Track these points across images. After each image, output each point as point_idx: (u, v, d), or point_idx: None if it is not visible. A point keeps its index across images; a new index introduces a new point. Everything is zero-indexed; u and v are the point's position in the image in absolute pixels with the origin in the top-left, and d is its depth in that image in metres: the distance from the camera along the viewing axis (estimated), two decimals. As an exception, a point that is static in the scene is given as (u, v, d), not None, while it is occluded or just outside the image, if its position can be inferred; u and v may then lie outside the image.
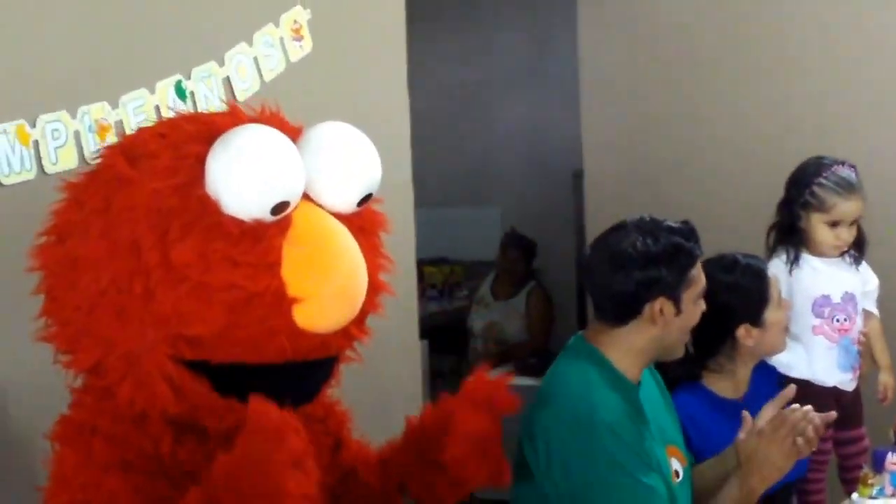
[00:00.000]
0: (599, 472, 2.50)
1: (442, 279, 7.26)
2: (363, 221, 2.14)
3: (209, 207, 1.94)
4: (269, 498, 1.85)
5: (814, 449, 2.60)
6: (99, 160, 2.07)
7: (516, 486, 2.63)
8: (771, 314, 3.03)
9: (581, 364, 2.65)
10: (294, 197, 1.98)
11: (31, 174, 2.46)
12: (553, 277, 6.71)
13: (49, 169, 2.47)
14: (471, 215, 7.36)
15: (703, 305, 2.69)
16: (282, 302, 1.96)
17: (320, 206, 2.07)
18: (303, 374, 2.08)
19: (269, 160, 1.95)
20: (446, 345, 6.20)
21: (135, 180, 1.98)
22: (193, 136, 2.02)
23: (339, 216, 2.08)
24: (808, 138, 4.51)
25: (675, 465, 2.68)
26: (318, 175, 2.04)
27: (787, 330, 3.12)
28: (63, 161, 2.50)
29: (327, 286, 1.99)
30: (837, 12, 4.75)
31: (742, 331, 2.99)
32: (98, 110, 2.58)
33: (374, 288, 2.16)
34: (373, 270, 2.14)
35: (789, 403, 2.64)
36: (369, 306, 2.14)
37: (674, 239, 2.62)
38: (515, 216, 6.99)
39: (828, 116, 4.75)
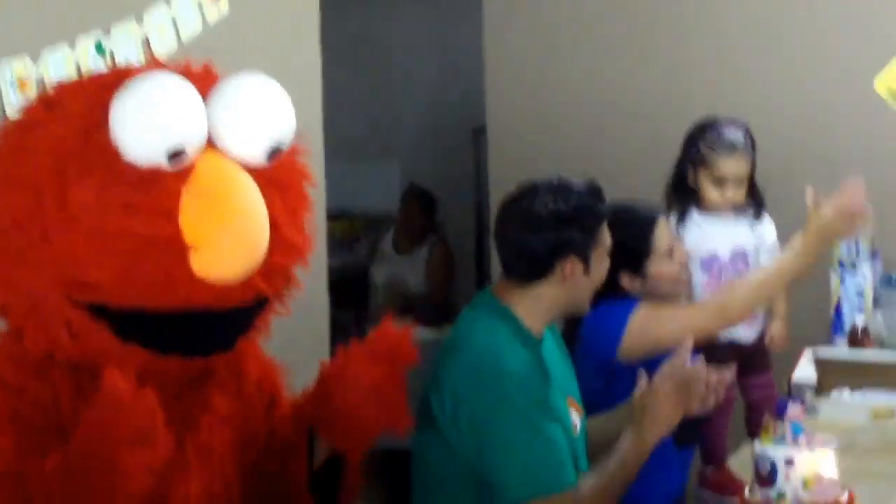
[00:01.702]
0: (504, 422, 2.55)
1: (342, 233, 7.29)
2: (276, 175, 2.13)
3: (110, 152, 1.94)
4: (106, 473, 1.86)
5: (709, 406, 2.69)
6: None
7: (419, 436, 2.67)
8: (654, 265, 3.07)
9: (488, 318, 2.70)
10: (192, 144, 1.99)
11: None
12: (452, 232, 6.75)
13: (-31, 123, 2.47)
14: (371, 169, 7.37)
15: (608, 262, 2.76)
16: (178, 249, 1.96)
17: (229, 157, 2.06)
18: (208, 324, 2.07)
19: (163, 105, 1.95)
20: (346, 298, 6.24)
21: (43, 124, 2.00)
22: (107, 84, 2.02)
23: (250, 169, 2.07)
24: (714, 97, 4.64)
25: (574, 417, 2.74)
26: (223, 123, 2.05)
27: (683, 281, 3.16)
28: (-17, 116, 2.48)
29: (223, 234, 1.99)
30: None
31: (625, 278, 3.06)
32: (20, 66, 2.58)
33: (289, 244, 2.15)
34: (287, 225, 2.14)
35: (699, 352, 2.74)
36: (281, 260, 2.13)
37: (582, 199, 2.69)
38: (416, 171, 7.02)
39: (732, 77, 4.89)
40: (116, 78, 2.03)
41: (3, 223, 1.97)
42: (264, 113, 2.10)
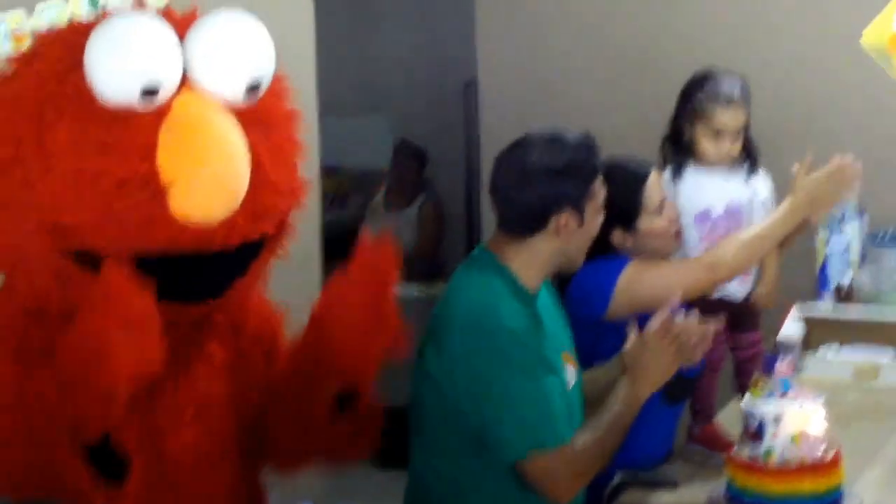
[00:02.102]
0: (501, 377, 2.57)
1: (333, 189, 7.29)
2: (260, 115, 2.10)
3: (85, 94, 1.95)
4: (98, 358, 1.86)
5: (697, 359, 2.72)
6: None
7: (417, 392, 2.70)
8: (645, 221, 3.07)
9: (483, 274, 2.71)
10: (166, 81, 1.98)
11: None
12: (443, 188, 6.75)
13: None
14: (360, 125, 7.35)
15: (602, 215, 2.78)
16: (153, 187, 1.95)
17: (207, 95, 2.04)
18: (195, 268, 2.07)
19: (135, 42, 1.96)
20: (340, 253, 6.21)
21: (22, 74, 2.03)
22: (84, 30, 2.04)
23: (231, 108, 2.06)
24: (710, 50, 4.58)
25: (570, 371, 2.76)
26: (199, 60, 2.03)
27: (676, 235, 3.16)
28: (-24, 68, 2.47)
29: (198, 171, 1.97)
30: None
31: (617, 236, 3.05)
32: (14, 18, 2.57)
33: (274, 184, 2.13)
34: (273, 165, 2.12)
35: (690, 307, 2.76)
36: (267, 201, 2.12)
37: (577, 152, 2.70)
38: (405, 127, 7.00)
39: (728, 31, 4.89)
40: (93, 24, 2.04)
41: None
42: (240, 47, 2.09)
